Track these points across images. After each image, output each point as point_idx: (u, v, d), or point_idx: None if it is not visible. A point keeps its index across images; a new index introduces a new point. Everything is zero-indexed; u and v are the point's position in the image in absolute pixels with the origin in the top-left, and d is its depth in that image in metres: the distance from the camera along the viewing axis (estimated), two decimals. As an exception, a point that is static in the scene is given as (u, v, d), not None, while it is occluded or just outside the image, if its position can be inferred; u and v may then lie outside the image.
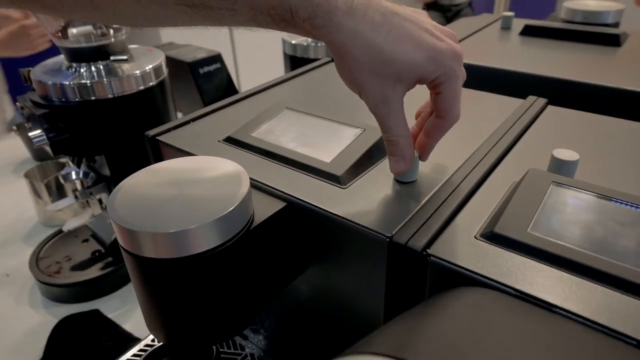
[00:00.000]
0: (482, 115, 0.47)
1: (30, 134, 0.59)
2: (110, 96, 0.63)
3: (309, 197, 0.33)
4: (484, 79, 0.60)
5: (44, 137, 0.59)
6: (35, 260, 0.71)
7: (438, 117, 0.31)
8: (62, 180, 0.69)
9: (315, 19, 0.26)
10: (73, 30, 0.64)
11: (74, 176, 0.68)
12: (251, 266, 0.31)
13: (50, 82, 0.61)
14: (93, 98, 0.62)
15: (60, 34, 0.62)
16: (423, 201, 0.32)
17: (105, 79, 0.62)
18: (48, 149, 0.60)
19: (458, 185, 0.34)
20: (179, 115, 0.90)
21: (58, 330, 0.62)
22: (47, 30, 0.62)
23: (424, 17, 0.29)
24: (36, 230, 0.82)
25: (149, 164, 0.33)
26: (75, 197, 0.69)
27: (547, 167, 0.34)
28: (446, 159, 0.38)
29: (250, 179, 0.32)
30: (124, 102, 0.64)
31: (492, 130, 0.43)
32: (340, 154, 0.37)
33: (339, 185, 0.34)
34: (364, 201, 0.33)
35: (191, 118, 0.46)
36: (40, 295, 0.68)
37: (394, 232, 0.30)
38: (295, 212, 0.33)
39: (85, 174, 0.68)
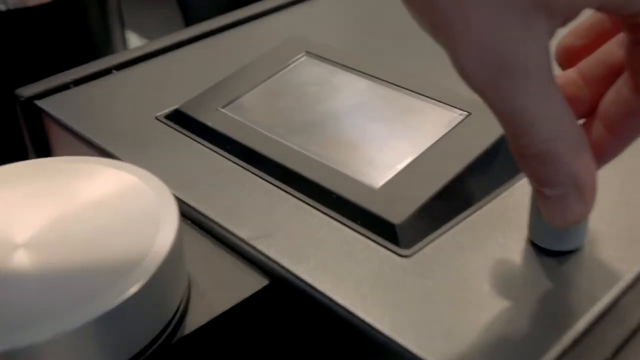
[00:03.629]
0: None
1: None
2: (1, 8, 0.60)
3: (320, 273, 0.30)
4: None
5: None
6: None
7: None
8: None
9: None
10: None
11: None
12: None
13: None
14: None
15: None
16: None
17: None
18: None
19: None
20: (134, 43, 0.91)
21: None
22: None
23: None
24: None
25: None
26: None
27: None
28: None
29: (197, 213, 0.33)
30: (25, 20, 0.61)
31: None
32: (405, 172, 0.34)
33: (394, 249, 0.31)
34: (448, 302, 0.29)
35: (114, 64, 0.46)
36: None
37: None
38: (288, 301, 0.32)
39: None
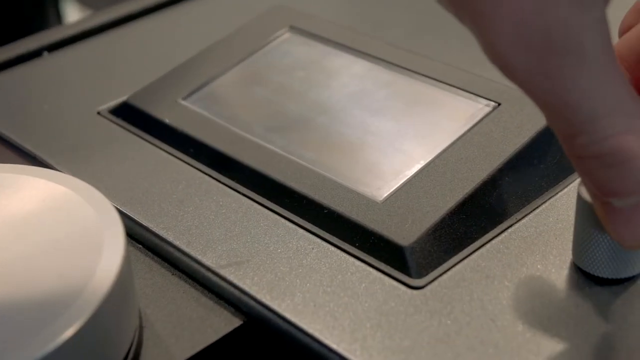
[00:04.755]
0: None
1: None
2: None
3: (307, 313, 0.29)
4: None
5: None
6: None
7: None
8: None
9: None
10: None
11: None
12: None
13: None
14: None
15: None
16: None
17: None
18: None
19: None
20: (73, 16, 0.87)
21: None
22: None
23: None
24: None
25: None
26: None
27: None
28: None
29: (151, 234, 0.33)
30: None
31: None
32: (414, 180, 0.33)
33: (402, 278, 0.30)
34: (476, 346, 0.28)
35: (48, 44, 0.45)
36: None
37: None
38: (267, 347, 0.31)
39: None
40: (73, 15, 0.89)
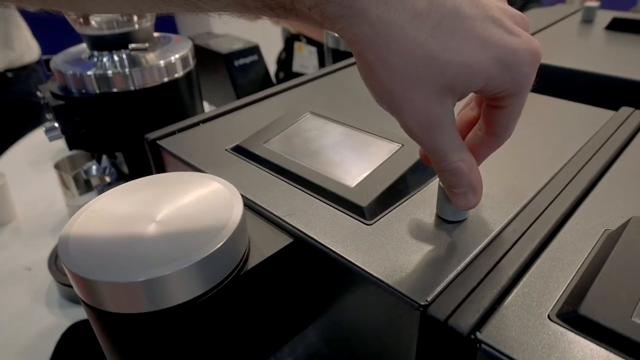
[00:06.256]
0: (558, 131, 0.38)
1: (44, 126, 0.55)
2: (131, 88, 0.57)
3: (321, 233, 0.28)
4: (563, 83, 0.50)
5: (58, 131, 0.55)
6: (55, 258, 0.68)
7: (489, 134, 0.26)
8: (83, 175, 0.66)
9: (327, 5, 0.20)
10: (97, 17, 0.59)
11: (94, 172, 0.65)
12: (242, 320, 0.27)
13: (68, 72, 0.56)
14: (115, 90, 0.57)
15: (81, 20, 0.58)
16: (473, 253, 0.26)
17: (127, 70, 0.57)
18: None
19: (524, 232, 0.27)
20: (207, 108, 0.85)
21: (68, 336, 0.58)
22: (68, 16, 0.57)
23: None
24: (64, 223, 0.80)
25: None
26: (98, 193, 0.66)
27: (657, 215, 0.27)
28: (509, 192, 0.31)
29: (253, 203, 0.30)
30: (146, 96, 0.58)
31: (572, 153, 0.35)
32: (368, 177, 0.32)
33: (362, 220, 0.29)
34: (392, 246, 0.27)
35: (201, 120, 0.43)
36: (57, 294, 0.65)
37: (429, 300, 0.23)
38: (304, 251, 0.28)
39: (105, 170, 0.63)
40: (207, 108, 0.88)
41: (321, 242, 0.27)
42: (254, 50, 0.85)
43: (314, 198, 0.31)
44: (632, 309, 0.20)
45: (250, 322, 0.28)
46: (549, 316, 0.21)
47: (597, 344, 0.20)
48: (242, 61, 0.84)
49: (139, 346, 0.24)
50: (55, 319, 0.62)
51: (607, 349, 0.19)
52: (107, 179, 0.66)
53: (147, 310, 0.23)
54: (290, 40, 1.27)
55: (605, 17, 0.68)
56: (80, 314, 0.63)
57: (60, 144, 0.95)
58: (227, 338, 0.26)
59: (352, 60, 0.56)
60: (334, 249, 0.27)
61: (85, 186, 0.79)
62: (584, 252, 0.25)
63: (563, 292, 0.23)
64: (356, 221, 0.29)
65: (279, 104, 0.46)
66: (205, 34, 0.94)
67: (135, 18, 0.60)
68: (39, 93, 0.61)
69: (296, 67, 1.25)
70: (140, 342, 0.24)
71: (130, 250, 0.23)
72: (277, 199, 0.31)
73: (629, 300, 0.20)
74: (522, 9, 1.62)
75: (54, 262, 0.69)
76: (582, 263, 0.25)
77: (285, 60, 1.30)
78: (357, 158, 0.34)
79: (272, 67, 1.20)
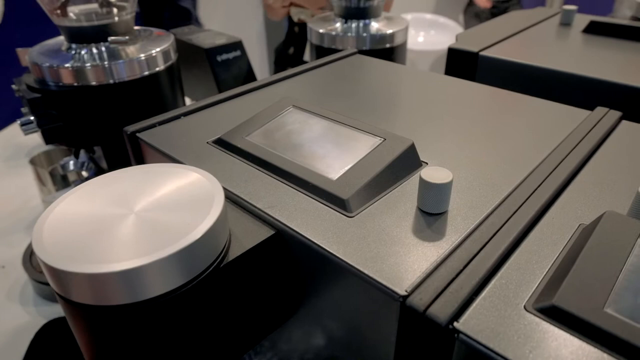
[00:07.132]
0: (536, 129, 0.39)
1: (19, 120, 0.53)
2: (110, 82, 0.56)
3: (303, 225, 0.28)
4: (540, 83, 0.51)
5: (34, 124, 0.54)
6: (30, 255, 0.67)
7: None
8: (60, 170, 0.64)
9: None
10: (75, 9, 0.58)
11: (71, 167, 0.63)
12: (223, 312, 0.27)
13: (45, 65, 0.55)
14: (93, 83, 0.56)
15: (59, 11, 0.56)
16: (453, 245, 0.26)
17: (106, 63, 0.55)
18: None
19: (502, 226, 0.27)
20: (188, 102, 0.84)
21: (42, 334, 0.57)
22: (45, 6, 0.56)
23: None
24: (39, 219, 0.79)
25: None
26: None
27: (629, 209, 0.27)
28: (488, 186, 0.31)
29: (234, 195, 0.30)
30: (126, 89, 0.57)
31: (549, 150, 0.35)
32: (350, 170, 0.32)
33: (344, 213, 0.29)
34: (373, 238, 0.27)
35: (182, 112, 0.42)
36: (32, 292, 0.64)
37: (408, 290, 0.23)
38: (286, 243, 0.29)
39: (83, 165, 0.62)
40: (188, 102, 0.87)
41: (302, 234, 0.27)
42: (237, 45, 0.83)
43: (295, 190, 0.31)
44: (604, 300, 0.20)
45: (231, 314, 0.27)
46: (525, 307, 0.21)
47: (570, 334, 0.20)
48: (224, 56, 0.82)
49: (116, 340, 0.24)
50: (29, 317, 0.61)
51: (580, 339, 0.20)
52: (85, 174, 0.65)
53: (125, 302, 0.22)
54: (297, 35, 1.14)
55: (583, 20, 0.69)
56: (55, 312, 0.62)
57: (37, 139, 0.93)
58: (208, 330, 0.26)
59: (335, 56, 0.56)
60: (315, 241, 0.26)
61: (62, 182, 0.77)
62: (559, 245, 0.26)
63: (539, 284, 0.23)
64: (338, 213, 0.29)
65: (261, 98, 0.46)
66: (187, 28, 0.92)
67: (115, 10, 0.59)
68: (13, 86, 0.60)
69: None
70: (118, 335, 0.24)
71: (107, 241, 0.23)
72: (258, 191, 0.31)
73: (602, 292, 0.20)
74: (503, 13, 1.65)
75: (29, 259, 0.67)
76: (558, 256, 0.25)
77: (295, 55, 1.15)
78: (340, 151, 0.34)
79: (265, 66, 1.14)
